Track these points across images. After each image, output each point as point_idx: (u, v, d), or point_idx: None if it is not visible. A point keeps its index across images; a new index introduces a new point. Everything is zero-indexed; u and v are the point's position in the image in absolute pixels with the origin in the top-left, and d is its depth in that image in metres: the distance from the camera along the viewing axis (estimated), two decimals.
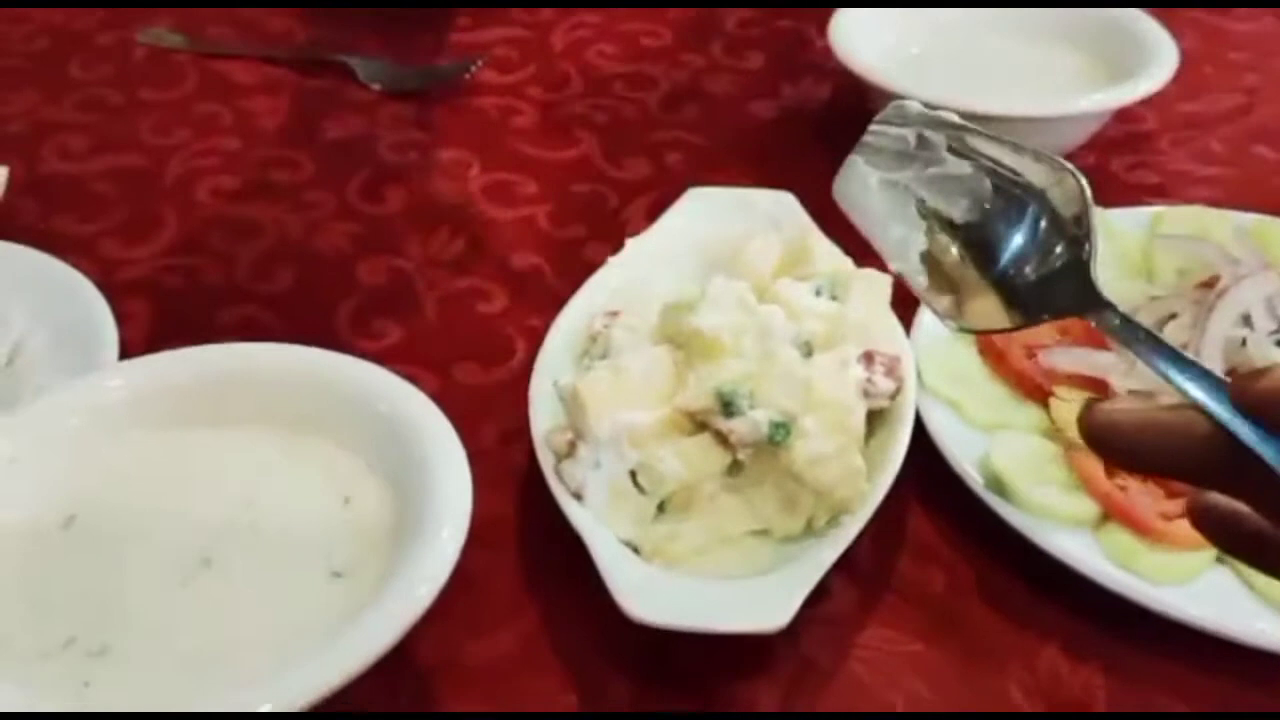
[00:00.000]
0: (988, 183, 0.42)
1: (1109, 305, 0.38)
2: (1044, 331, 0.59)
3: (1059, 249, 0.40)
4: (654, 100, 0.85)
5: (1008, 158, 0.42)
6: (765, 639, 0.48)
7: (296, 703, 0.38)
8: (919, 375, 0.56)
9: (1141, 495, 0.50)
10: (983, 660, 0.48)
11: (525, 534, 0.53)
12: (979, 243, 0.41)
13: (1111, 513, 0.50)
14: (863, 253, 0.61)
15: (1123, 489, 0.50)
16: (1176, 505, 0.49)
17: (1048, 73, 0.76)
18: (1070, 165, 0.41)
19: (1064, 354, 0.57)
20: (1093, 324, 0.38)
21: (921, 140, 0.43)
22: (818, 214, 0.65)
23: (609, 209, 0.74)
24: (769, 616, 0.45)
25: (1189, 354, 0.55)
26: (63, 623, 0.42)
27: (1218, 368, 0.55)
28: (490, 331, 0.65)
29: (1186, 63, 0.75)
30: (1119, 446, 0.35)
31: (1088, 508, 0.50)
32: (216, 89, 0.85)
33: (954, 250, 0.42)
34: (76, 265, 0.64)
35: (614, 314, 0.58)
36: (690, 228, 0.65)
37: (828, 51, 0.88)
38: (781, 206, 0.65)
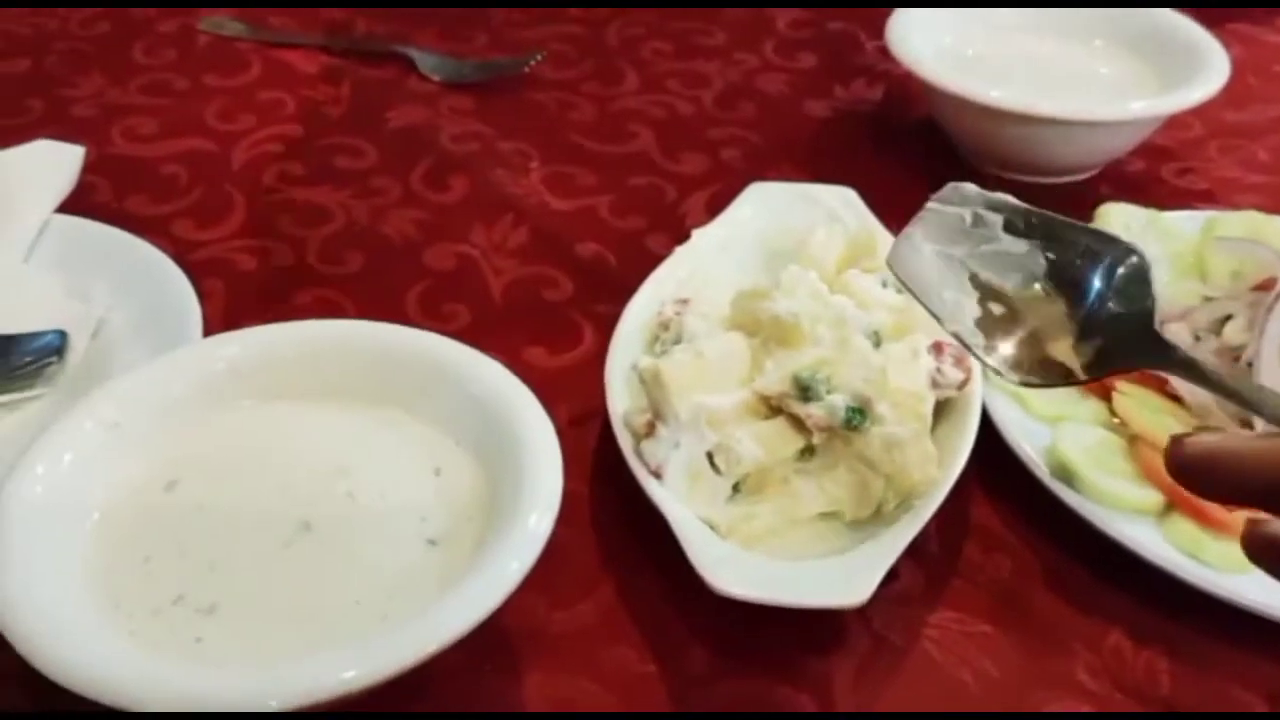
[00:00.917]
0: (1042, 259, 0.44)
1: (1184, 357, 0.40)
2: None
3: (1121, 309, 0.42)
4: (709, 97, 0.86)
5: (1066, 233, 0.44)
6: (837, 617, 0.50)
7: (395, 665, 0.40)
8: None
9: None
10: (1049, 642, 0.50)
11: (600, 511, 0.55)
12: (1043, 307, 0.44)
13: (1176, 503, 0.52)
14: None
15: None
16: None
17: (1102, 78, 0.78)
18: (1126, 240, 0.44)
19: None
20: (1163, 374, 0.40)
21: (978, 219, 0.45)
22: (876, 210, 0.67)
23: (668, 202, 0.76)
24: (848, 593, 0.46)
25: (1247, 356, 0.57)
26: (171, 581, 0.44)
27: (1277, 370, 0.56)
28: (557, 317, 0.67)
29: (1232, 73, 0.77)
30: (1217, 479, 0.35)
31: (1152, 497, 0.52)
32: (279, 77, 0.87)
33: (1017, 311, 0.44)
34: (153, 244, 0.65)
35: (684, 301, 0.59)
36: (753, 220, 0.67)
37: (878, 54, 0.90)
38: (843, 201, 0.67)
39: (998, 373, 0.43)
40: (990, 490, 0.56)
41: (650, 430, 0.52)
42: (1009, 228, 0.45)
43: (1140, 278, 0.43)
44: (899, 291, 0.59)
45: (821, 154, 0.81)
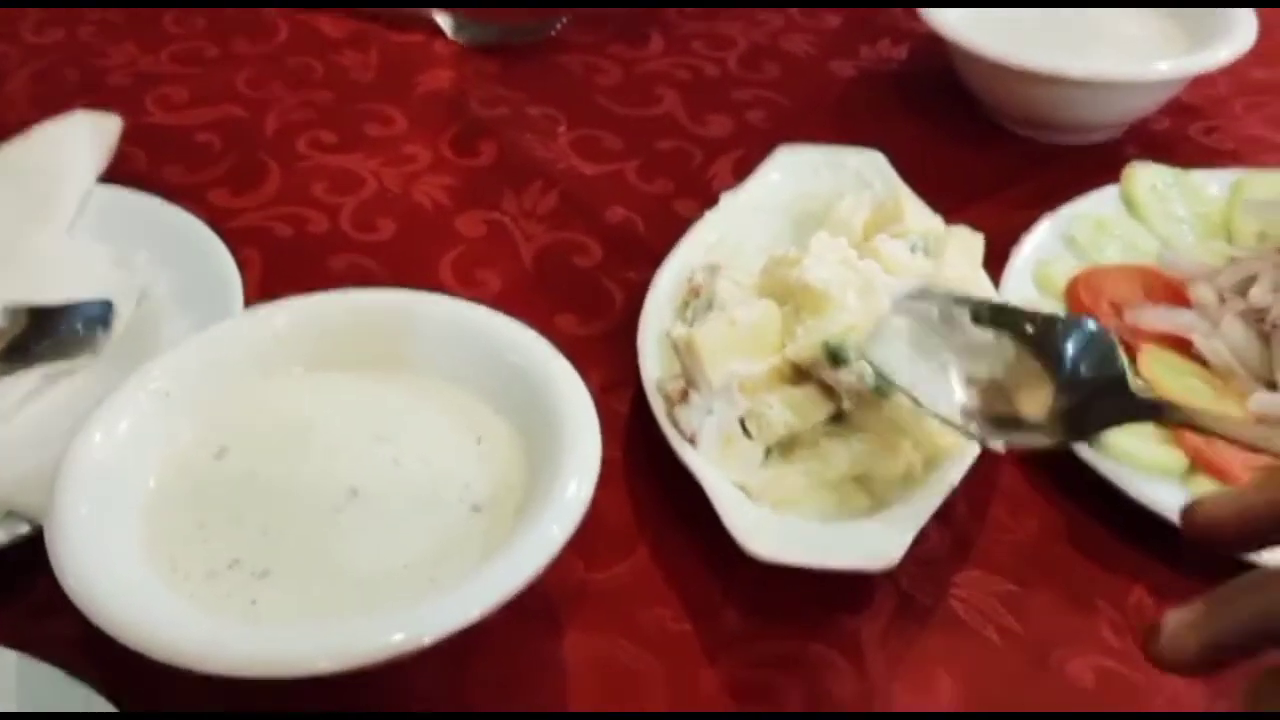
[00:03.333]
0: (1011, 346, 0.48)
1: (1160, 405, 0.44)
2: (1130, 290, 0.61)
3: (1094, 377, 0.46)
4: (733, 59, 0.86)
5: (1031, 320, 0.48)
6: (867, 577, 0.51)
7: (444, 628, 0.41)
8: None
9: (1229, 448, 0.52)
10: (1073, 600, 0.51)
11: (634, 476, 0.56)
12: (1017, 388, 0.47)
13: (1200, 464, 0.53)
14: (952, 210, 0.64)
15: (1211, 442, 0.52)
16: (1263, 459, 0.52)
17: (1129, 37, 0.78)
18: (1088, 318, 0.48)
19: (1150, 312, 0.59)
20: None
21: (945, 315, 0.49)
22: (904, 173, 0.67)
23: (695, 165, 0.76)
24: (879, 555, 0.47)
25: (1273, 317, 0.58)
26: (226, 545, 0.45)
27: None
28: (587, 283, 0.68)
29: (1260, 30, 0.76)
30: (1227, 541, 0.37)
31: (1176, 459, 0.53)
32: (307, 42, 0.88)
33: (992, 395, 0.48)
34: (191, 213, 0.67)
35: (714, 267, 0.60)
36: (782, 185, 0.68)
37: (903, 13, 0.90)
38: (871, 165, 0.68)
39: (984, 444, 0.47)
40: (1017, 453, 0.57)
41: (684, 397, 0.53)
42: (976, 319, 0.49)
43: (1107, 350, 0.46)
44: (926, 255, 0.60)
45: (847, 115, 0.82)
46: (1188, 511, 0.38)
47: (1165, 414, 0.44)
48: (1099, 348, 0.46)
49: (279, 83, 0.83)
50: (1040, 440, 0.47)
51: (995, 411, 0.47)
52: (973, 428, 0.47)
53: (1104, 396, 0.45)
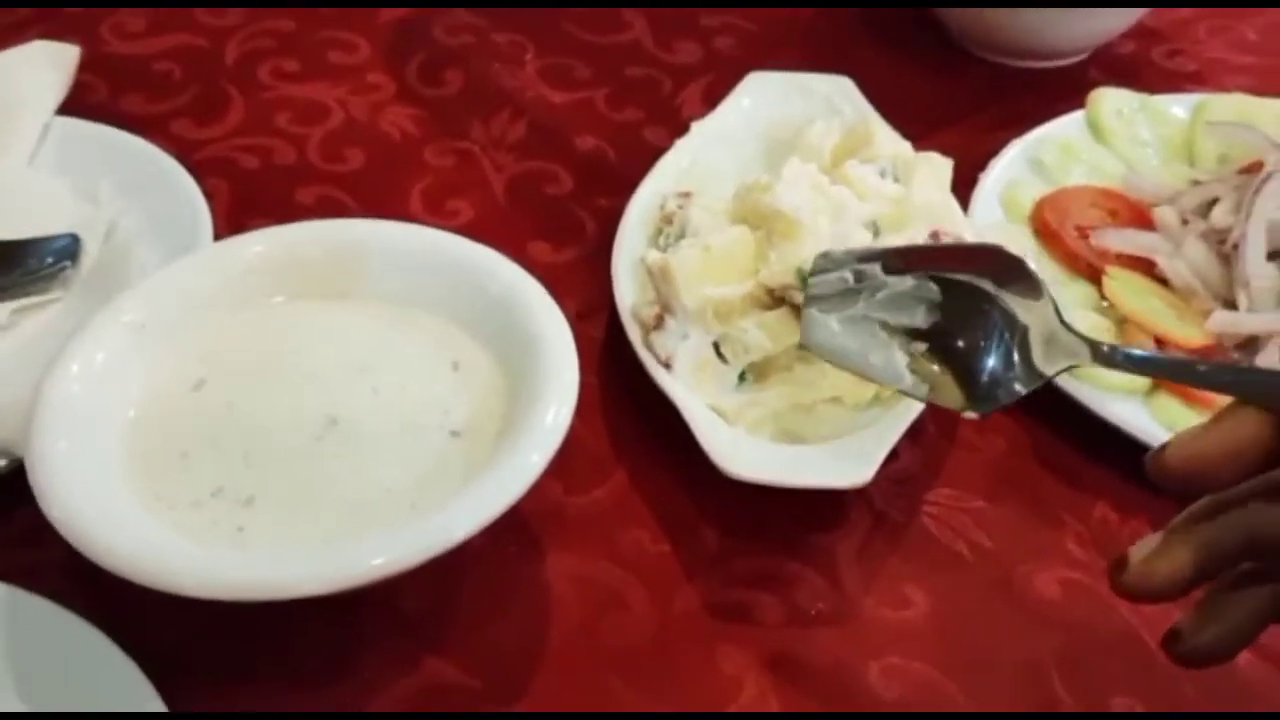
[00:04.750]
0: (933, 286, 0.44)
1: (1107, 347, 0.41)
2: (1094, 213, 0.62)
3: (1025, 312, 0.42)
4: None
5: (941, 254, 0.46)
6: (841, 496, 0.53)
7: (427, 551, 0.42)
8: None
9: None
10: (1040, 515, 0.53)
11: (610, 401, 0.57)
12: (953, 335, 0.44)
13: (1162, 384, 0.54)
14: (921, 136, 0.64)
15: None
16: None
17: None
18: (998, 244, 0.45)
19: (1114, 234, 0.60)
20: (1094, 367, 0.41)
21: (858, 275, 0.46)
22: (873, 99, 0.68)
23: (664, 93, 0.76)
24: (851, 474, 0.49)
25: (1234, 238, 0.59)
26: (208, 475, 0.45)
27: (1262, 252, 0.58)
28: (559, 212, 0.68)
29: None
30: (1196, 487, 0.36)
31: (1140, 378, 0.54)
32: None
33: (939, 339, 0.44)
34: (155, 145, 0.66)
35: (686, 194, 0.61)
36: (751, 112, 0.68)
37: None
38: (840, 91, 0.68)
39: (954, 409, 0.43)
40: None
41: (659, 323, 0.54)
42: (888, 269, 0.46)
43: (1026, 275, 0.43)
44: (895, 180, 0.60)
45: (816, 41, 0.81)
46: (1155, 459, 0.37)
47: (1107, 361, 0.41)
48: (1020, 276, 0.43)
49: (237, 10, 0.81)
50: (1004, 396, 0.42)
51: (950, 368, 0.44)
52: (953, 402, 0.43)
53: (1045, 334, 0.42)
